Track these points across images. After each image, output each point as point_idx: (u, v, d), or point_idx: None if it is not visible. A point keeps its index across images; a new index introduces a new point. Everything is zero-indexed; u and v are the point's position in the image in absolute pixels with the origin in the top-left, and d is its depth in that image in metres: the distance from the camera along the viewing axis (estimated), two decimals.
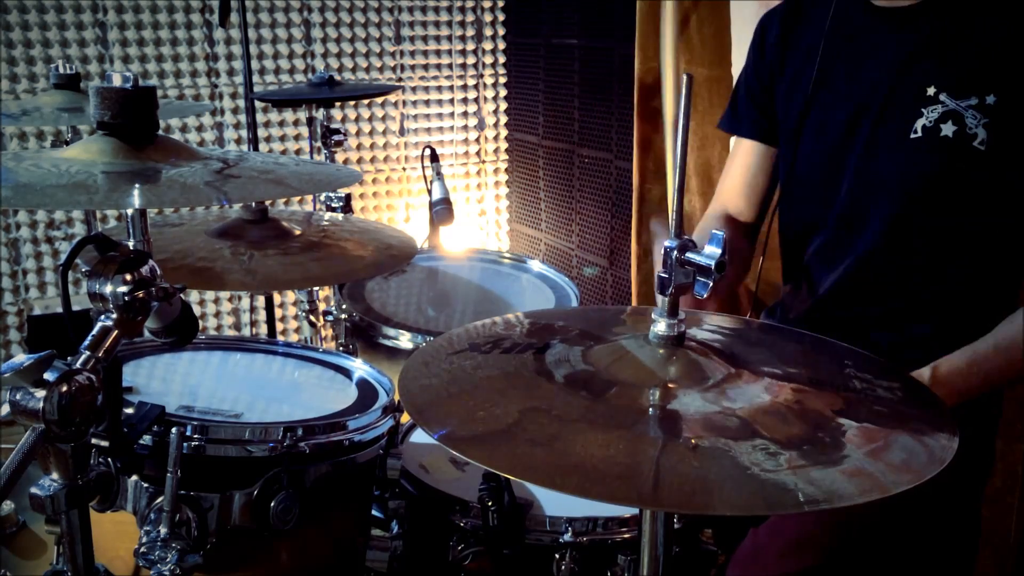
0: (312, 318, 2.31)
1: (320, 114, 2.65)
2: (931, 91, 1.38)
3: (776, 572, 1.42)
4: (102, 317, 1.04)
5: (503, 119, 4.11)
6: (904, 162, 1.42)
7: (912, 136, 1.40)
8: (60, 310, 1.14)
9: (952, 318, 1.46)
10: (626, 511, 1.41)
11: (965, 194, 1.40)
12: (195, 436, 1.25)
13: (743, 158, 1.74)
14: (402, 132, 3.89)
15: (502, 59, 4.04)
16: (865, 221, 1.48)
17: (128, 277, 1.04)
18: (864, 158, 1.47)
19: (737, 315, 1.31)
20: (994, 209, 1.41)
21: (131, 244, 1.25)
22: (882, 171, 1.45)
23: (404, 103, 3.88)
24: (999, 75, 1.32)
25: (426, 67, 3.90)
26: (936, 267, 1.45)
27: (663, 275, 0.99)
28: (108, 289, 1.03)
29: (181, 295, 1.13)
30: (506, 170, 4.18)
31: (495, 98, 4.08)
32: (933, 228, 1.43)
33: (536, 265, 2.35)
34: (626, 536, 1.40)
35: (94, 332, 1.03)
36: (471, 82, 4.01)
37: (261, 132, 3.60)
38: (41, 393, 0.93)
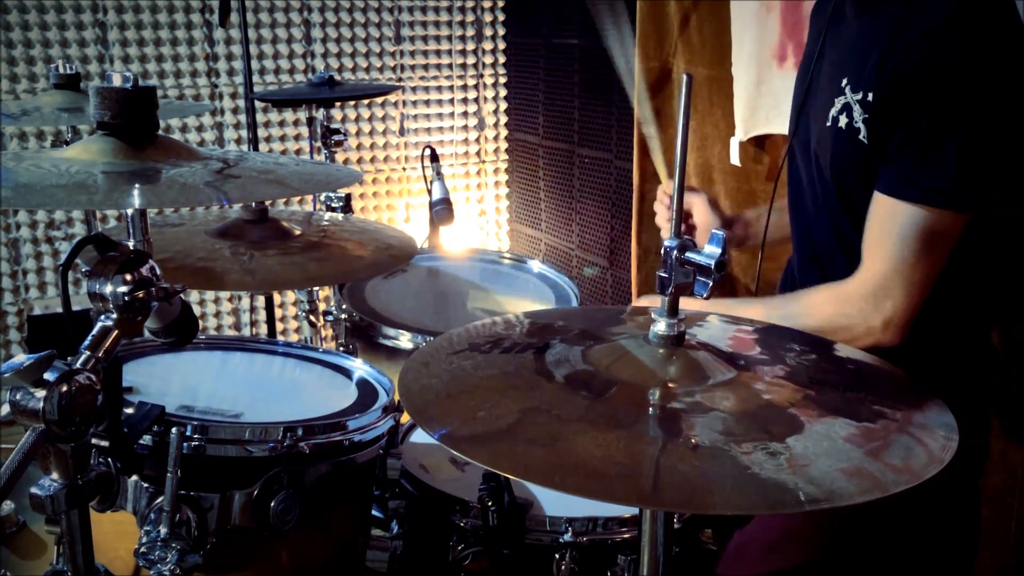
0: (312, 318, 2.31)
1: (320, 114, 2.65)
2: (844, 82, 1.38)
3: (763, 569, 1.43)
4: (102, 317, 1.04)
5: (503, 119, 4.11)
6: (822, 148, 1.44)
7: (826, 124, 1.41)
8: (60, 310, 1.14)
9: None
10: (626, 511, 1.41)
11: (857, 182, 1.40)
12: (195, 436, 1.25)
13: None
14: (402, 132, 3.89)
15: (502, 59, 4.04)
16: (814, 207, 1.51)
17: (128, 277, 1.04)
18: (808, 146, 1.50)
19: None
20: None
21: (131, 244, 1.25)
22: (816, 158, 1.48)
23: (404, 103, 3.88)
24: (880, 73, 1.32)
25: (426, 67, 3.90)
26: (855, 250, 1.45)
27: (663, 274, 1.00)
28: (108, 289, 1.03)
29: (181, 295, 1.13)
30: (506, 170, 4.18)
31: (495, 98, 4.08)
32: (844, 212, 1.44)
33: (536, 265, 2.35)
34: (626, 536, 1.40)
35: (94, 332, 1.03)
36: (471, 82, 4.01)
37: (261, 132, 3.60)
38: (41, 393, 0.93)
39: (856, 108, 1.34)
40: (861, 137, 1.34)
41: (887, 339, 1.34)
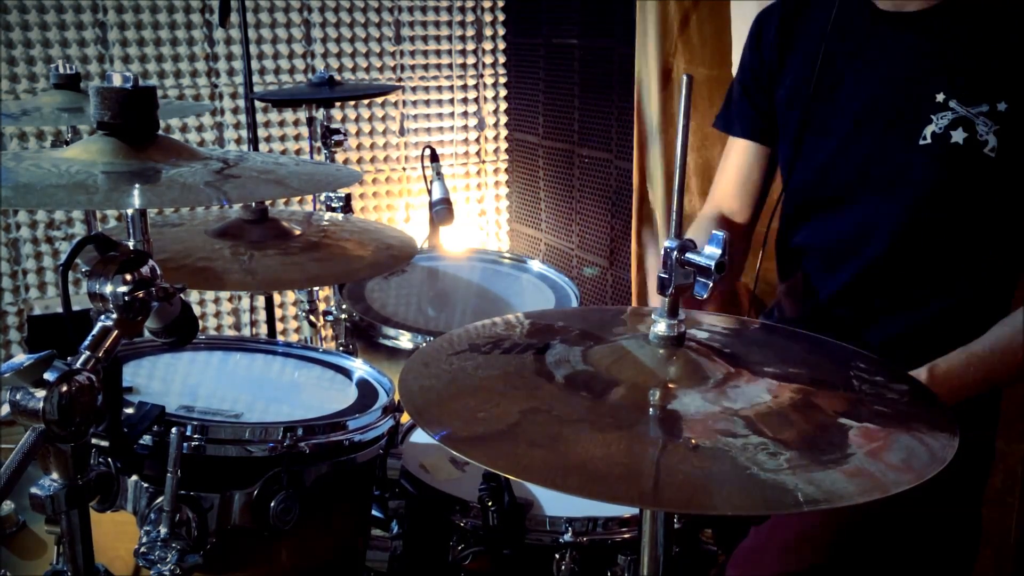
0: (312, 318, 2.31)
1: (320, 114, 2.65)
2: (940, 97, 1.37)
3: (776, 570, 1.42)
4: (102, 317, 1.04)
5: (503, 119, 4.11)
6: (913, 169, 1.41)
7: (921, 143, 1.39)
8: (60, 310, 1.14)
9: (955, 323, 1.46)
10: (626, 511, 1.41)
11: (973, 201, 1.39)
12: (195, 436, 1.25)
13: (737, 158, 1.73)
14: (402, 132, 3.89)
15: (502, 59, 4.04)
16: (872, 227, 1.48)
17: (128, 277, 1.04)
18: (871, 164, 1.46)
19: (736, 315, 1.31)
20: (1000, 216, 1.41)
21: (131, 244, 1.25)
22: (889, 177, 1.44)
23: (404, 103, 3.88)
24: (1010, 81, 1.31)
25: (426, 67, 3.90)
26: (943, 273, 1.45)
27: (663, 275, 0.99)
28: (108, 289, 1.03)
29: (181, 295, 1.13)
30: (506, 170, 4.18)
31: (495, 98, 4.08)
32: (941, 235, 1.43)
33: (536, 265, 2.35)
34: (626, 536, 1.40)
35: (94, 332, 1.03)
36: (471, 82, 4.01)
37: (261, 132, 3.59)
38: (41, 393, 0.93)
39: (980, 121, 1.33)
40: (988, 151, 1.33)
41: None
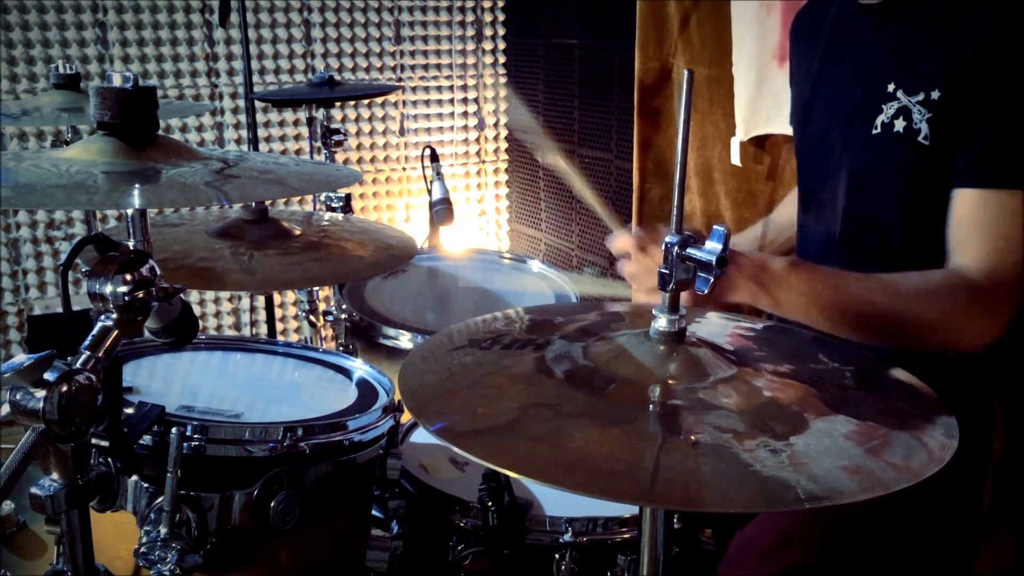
0: (312, 318, 2.31)
1: (320, 114, 2.65)
2: (891, 88, 1.38)
3: (763, 570, 1.42)
4: (102, 317, 1.04)
5: (503, 119, 4.11)
6: (867, 160, 1.43)
7: (873, 132, 1.40)
8: (60, 310, 1.14)
9: None
10: (626, 511, 1.41)
11: (913, 190, 1.39)
12: (195, 436, 1.25)
13: None
14: (402, 132, 3.89)
15: (502, 59, 4.04)
16: (848, 219, 1.49)
17: (128, 277, 1.04)
18: (840, 157, 1.48)
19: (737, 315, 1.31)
20: (934, 203, 1.40)
21: (131, 244, 1.25)
22: (850, 168, 1.46)
23: (404, 103, 3.88)
24: (944, 70, 1.32)
25: (426, 67, 3.90)
26: (892, 267, 1.45)
27: (664, 271, 0.99)
28: (108, 289, 1.03)
29: (181, 295, 1.13)
30: (506, 170, 4.18)
31: (495, 98, 4.08)
32: (887, 225, 1.43)
33: (536, 265, 2.35)
34: (626, 536, 1.40)
35: (94, 332, 1.03)
36: (471, 82, 4.01)
37: (261, 132, 3.59)
38: (41, 393, 0.93)
39: (915, 110, 1.34)
40: (921, 139, 1.34)
41: (982, 343, 1.28)
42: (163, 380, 1.51)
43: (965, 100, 1.29)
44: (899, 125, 1.36)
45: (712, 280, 0.98)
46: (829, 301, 1.27)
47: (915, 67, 1.35)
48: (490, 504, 1.37)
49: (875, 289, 1.29)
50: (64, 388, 0.94)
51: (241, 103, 3.50)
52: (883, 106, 1.38)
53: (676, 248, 0.98)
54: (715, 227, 0.96)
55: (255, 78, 3.14)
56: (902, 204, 1.40)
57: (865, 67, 1.45)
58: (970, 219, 1.30)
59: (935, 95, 1.32)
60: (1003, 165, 1.28)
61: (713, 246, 0.96)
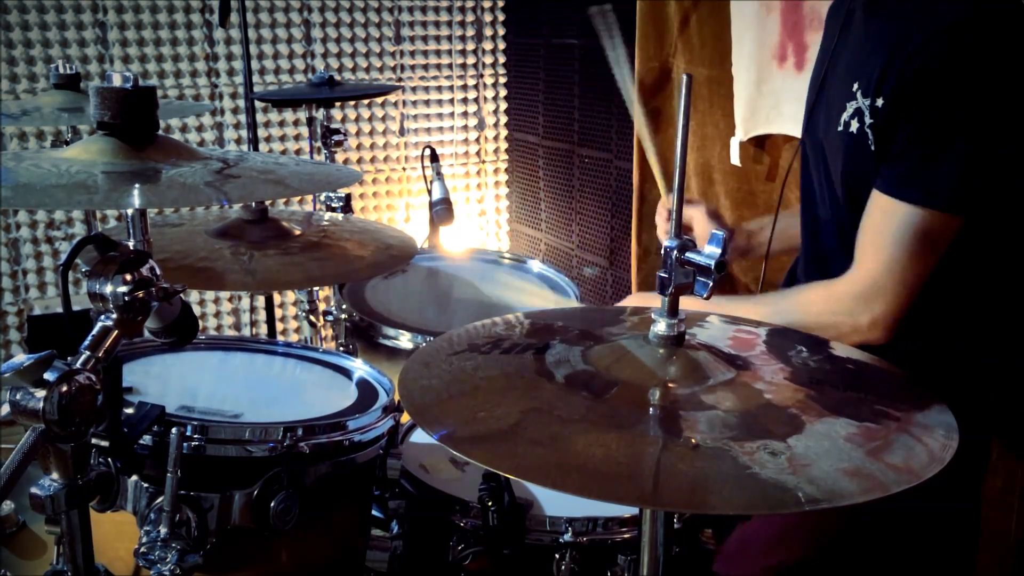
0: (312, 318, 2.31)
1: (320, 114, 2.65)
2: (855, 87, 1.38)
3: (762, 565, 1.43)
4: (102, 317, 1.04)
5: (503, 119, 4.11)
6: (833, 155, 1.44)
7: (838, 129, 1.41)
8: (60, 310, 1.14)
9: None
10: (626, 511, 1.41)
11: (866, 188, 1.40)
12: (195, 436, 1.25)
13: None
14: (402, 132, 3.89)
15: (502, 59, 4.04)
16: (824, 212, 1.50)
17: (128, 277, 1.04)
18: (822, 152, 1.49)
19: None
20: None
21: (131, 244, 1.25)
22: (824, 165, 1.47)
23: (404, 103, 3.88)
24: (886, 76, 1.32)
25: (426, 67, 3.90)
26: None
27: (663, 275, 0.99)
28: (108, 289, 1.03)
29: (181, 295, 1.13)
30: (506, 170, 4.18)
31: (495, 98, 4.08)
32: (854, 219, 1.43)
33: (536, 265, 2.35)
34: (626, 536, 1.40)
35: (94, 332, 1.03)
36: (471, 82, 4.01)
37: (261, 132, 3.59)
38: (41, 393, 0.93)
39: (866, 113, 1.34)
40: (869, 143, 1.34)
41: (873, 338, 1.34)
42: (163, 380, 1.51)
43: (901, 108, 1.30)
44: (854, 126, 1.37)
45: (711, 284, 0.98)
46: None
47: (870, 70, 1.36)
48: (490, 504, 1.37)
49: (763, 313, 1.38)
50: (64, 388, 0.94)
51: (241, 103, 3.50)
52: (847, 104, 1.39)
53: (675, 252, 0.98)
54: (713, 232, 0.97)
55: (255, 78, 3.14)
56: (856, 202, 1.41)
57: (846, 61, 1.45)
58: (875, 224, 1.35)
59: (879, 102, 1.32)
60: (919, 180, 1.29)
61: (712, 250, 0.97)
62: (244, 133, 3.44)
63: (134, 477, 1.24)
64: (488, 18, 3.98)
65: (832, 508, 0.80)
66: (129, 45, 3.36)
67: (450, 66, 3.95)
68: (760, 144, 2.45)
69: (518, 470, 0.84)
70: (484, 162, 4.14)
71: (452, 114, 4.01)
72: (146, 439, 1.22)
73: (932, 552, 1.50)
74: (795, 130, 2.19)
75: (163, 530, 1.19)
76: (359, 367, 1.61)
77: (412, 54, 3.85)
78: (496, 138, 4.12)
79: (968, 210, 1.29)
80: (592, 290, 3.58)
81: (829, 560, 1.43)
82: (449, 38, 3.92)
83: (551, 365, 1.03)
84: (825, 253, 1.52)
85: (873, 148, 1.34)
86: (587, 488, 0.82)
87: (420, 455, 1.63)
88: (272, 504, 1.26)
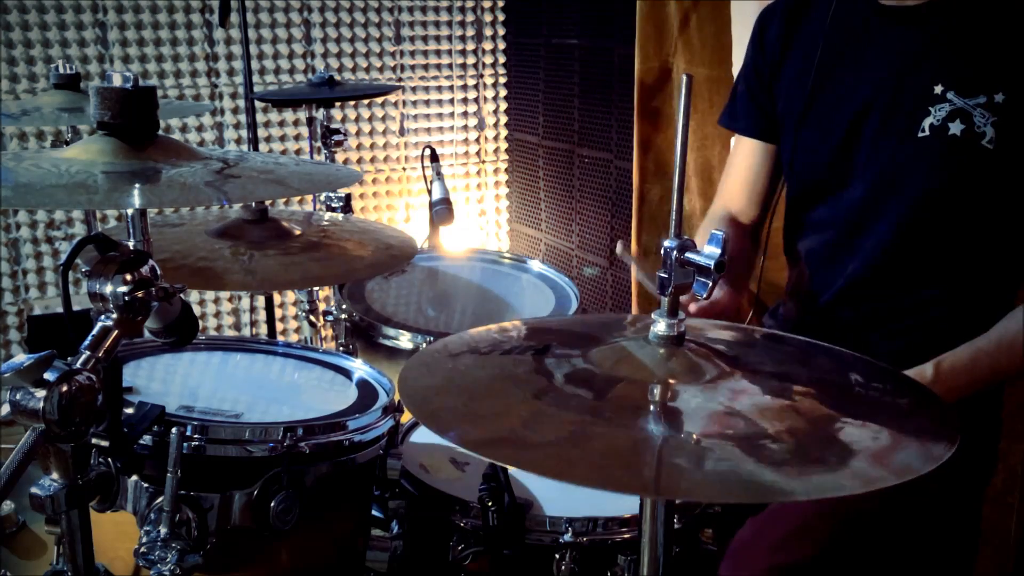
0: (312, 318, 2.31)
1: (320, 114, 2.65)
2: (938, 89, 1.37)
3: (771, 562, 1.43)
4: (102, 317, 1.04)
5: (503, 119, 4.11)
6: (912, 161, 1.42)
7: (920, 135, 1.39)
8: (60, 310, 1.14)
9: (959, 320, 1.46)
10: (626, 511, 1.41)
11: (973, 193, 1.39)
12: (195, 436, 1.25)
13: (743, 157, 1.73)
14: (402, 132, 3.89)
15: (502, 59, 4.04)
16: (873, 220, 1.48)
17: (128, 277, 1.04)
18: (871, 157, 1.47)
19: (738, 318, 1.31)
20: (1001, 210, 1.41)
21: (131, 244, 1.25)
22: (890, 170, 1.45)
23: (404, 103, 3.88)
24: (1008, 73, 1.32)
25: (426, 67, 3.90)
26: (945, 269, 1.45)
27: (663, 275, 1.00)
28: (108, 289, 1.03)
29: (181, 295, 1.13)
30: (506, 170, 4.18)
31: (495, 98, 4.08)
32: (942, 229, 1.43)
33: (536, 265, 2.35)
34: (626, 536, 1.40)
35: (94, 332, 1.03)
36: (471, 82, 4.01)
37: (261, 132, 3.59)
38: (41, 393, 0.93)
39: (977, 113, 1.34)
40: (985, 143, 1.34)
41: None
42: (163, 380, 1.51)
43: None
44: (955, 128, 1.35)
45: (710, 284, 0.98)
46: (986, 377, 1.40)
47: (970, 69, 1.35)
48: (490, 504, 1.37)
49: (1002, 353, 1.38)
50: (64, 388, 0.94)
51: (241, 103, 3.50)
52: (930, 108, 1.37)
53: (675, 252, 0.98)
54: (713, 232, 0.97)
55: (255, 78, 3.14)
56: (964, 210, 1.41)
57: (894, 67, 1.44)
58: None
59: (999, 98, 1.31)
60: None
61: (712, 250, 0.97)
62: (244, 133, 3.44)
63: (134, 477, 1.24)
64: (488, 18, 3.98)
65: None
66: (129, 45, 3.36)
67: (450, 66, 3.95)
68: None
69: (522, 465, 0.84)
70: (484, 162, 4.14)
71: (452, 114, 4.01)
72: (146, 439, 1.22)
73: (932, 552, 1.50)
74: None
75: (163, 530, 1.19)
76: (359, 367, 1.61)
77: (412, 54, 3.85)
78: (496, 138, 4.12)
79: None
80: (592, 290, 3.58)
81: (833, 560, 1.43)
82: (449, 38, 3.92)
83: (551, 365, 1.03)
84: (881, 274, 1.50)
85: (992, 147, 1.33)
86: (592, 478, 0.82)
87: (420, 455, 1.63)
88: (272, 504, 1.26)
